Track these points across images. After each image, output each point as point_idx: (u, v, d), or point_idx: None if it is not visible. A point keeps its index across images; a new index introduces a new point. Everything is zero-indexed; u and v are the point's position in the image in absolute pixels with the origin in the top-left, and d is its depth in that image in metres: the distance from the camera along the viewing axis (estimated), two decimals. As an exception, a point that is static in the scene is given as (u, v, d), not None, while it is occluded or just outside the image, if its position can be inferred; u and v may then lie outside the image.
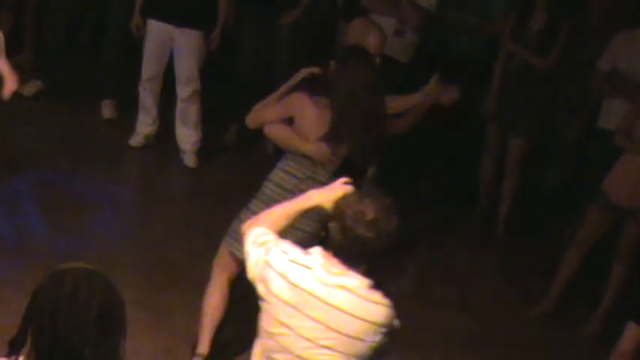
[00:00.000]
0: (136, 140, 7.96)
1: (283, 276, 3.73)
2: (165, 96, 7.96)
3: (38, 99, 8.30)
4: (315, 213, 4.87)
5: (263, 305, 3.82)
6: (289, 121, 5.31)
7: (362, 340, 3.72)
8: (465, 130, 8.30)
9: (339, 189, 3.91)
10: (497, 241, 7.96)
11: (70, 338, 2.83)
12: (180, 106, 7.85)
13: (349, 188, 3.89)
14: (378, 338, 3.75)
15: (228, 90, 8.57)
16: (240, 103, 8.37)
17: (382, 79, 5.38)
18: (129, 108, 8.17)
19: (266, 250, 3.80)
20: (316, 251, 3.77)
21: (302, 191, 5.12)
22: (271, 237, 3.84)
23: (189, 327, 5.81)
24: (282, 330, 3.74)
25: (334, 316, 3.68)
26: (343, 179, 4.01)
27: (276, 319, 3.74)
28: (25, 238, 6.46)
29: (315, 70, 5.46)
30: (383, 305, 3.74)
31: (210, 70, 8.07)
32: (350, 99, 5.17)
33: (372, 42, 5.59)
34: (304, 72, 5.46)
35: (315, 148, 5.21)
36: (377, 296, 3.74)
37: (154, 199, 7.55)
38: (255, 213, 5.12)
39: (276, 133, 5.33)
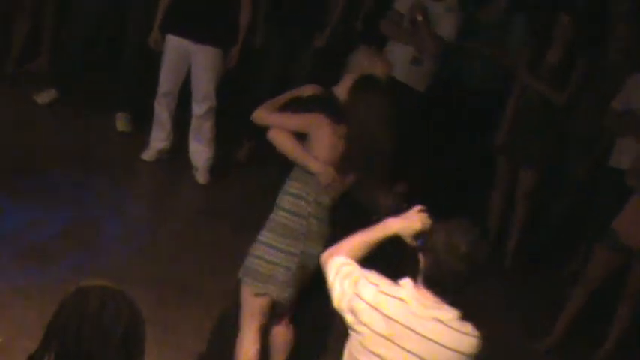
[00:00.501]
0: (148, 154, 7.98)
1: (375, 308, 3.78)
2: (180, 111, 7.99)
3: (52, 108, 8.31)
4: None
5: (352, 334, 3.88)
6: (299, 135, 5.28)
7: None
8: (474, 162, 8.31)
9: (416, 218, 3.98)
10: (504, 274, 7.96)
11: (93, 357, 2.83)
12: (194, 122, 7.87)
13: (426, 217, 3.95)
14: None
15: (244, 107, 8.61)
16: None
17: (395, 111, 5.33)
18: (143, 122, 8.21)
19: (354, 282, 3.86)
20: (406, 283, 3.84)
21: (313, 216, 5.17)
22: (355, 267, 3.91)
23: (196, 345, 5.84)
24: (375, 359, 3.80)
25: (428, 347, 3.77)
26: (418, 207, 4.05)
27: (368, 349, 3.80)
28: (34, 246, 6.49)
29: (323, 90, 5.48)
30: (474, 337, 3.85)
31: (228, 86, 8.09)
32: (361, 134, 5.14)
33: (380, 71, 5.55)
34: (312, 88, 5.48)
35: (323, 167, 5.17)
36: (469, 328, 3.86)
37: (165, 215, 7.56)
38: (269, 245, 5.14)
39: (284, 141, 5.25)
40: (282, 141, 5.25)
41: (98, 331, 2.83)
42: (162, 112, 7.91)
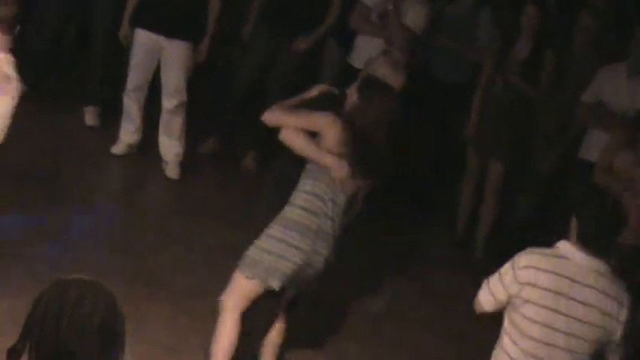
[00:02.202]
0: (118, 149, 7.97)
1: (545, 270, 4.43)
2: (150, 106, 7.99)
3: (20, 103, 8.27)
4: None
5: (522, 311, 4.49)
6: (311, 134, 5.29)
7: (612, 316, 4.45)
8: (445, 155, 8.37)
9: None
10: (474, 265, 8.01)
11: (71, 347, 2.84)
12: (164, 117, 7.87)
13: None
14: (623, 316, 4.46)
15: (212, 101, 8.65)
16: (225, 115, 8.48)
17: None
18: (112, 116, 8.21)
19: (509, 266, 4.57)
20: (564, 244, 4.50)
21: (327, 216, 5.18)
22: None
23: (170, 338, 5.86)
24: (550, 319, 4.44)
25: (594, 296, 4.43)
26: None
27: (545, 308, 4.44)
28: (4, 242, 6.46)
29: (330, 89, 5.52)
30: (624, 287, 4.52)
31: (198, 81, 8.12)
32: (366, 135, 5.23)
33: (396, 84, 5.60)
34: (321, 88, 5.51)
35: (337, 161, 5.17)
36: (620, 279, 4.53)
37: (136, 209, 7.56)
38: (276, 239, 5.18)
39: (297, 139, 5.23)
40: (294, 139, 5.25)
41: (76, 321, 2.85)
42: (132, 106, 7.91)
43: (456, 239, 8.21)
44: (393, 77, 5.57)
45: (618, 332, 4.47)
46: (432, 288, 7.51)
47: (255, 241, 5.28)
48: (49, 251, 6.45)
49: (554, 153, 8.08)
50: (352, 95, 5.37)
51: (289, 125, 5.25)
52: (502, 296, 4.59)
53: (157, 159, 7.98)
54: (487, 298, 4.69)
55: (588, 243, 4.45)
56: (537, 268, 4.46)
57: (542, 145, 8.17)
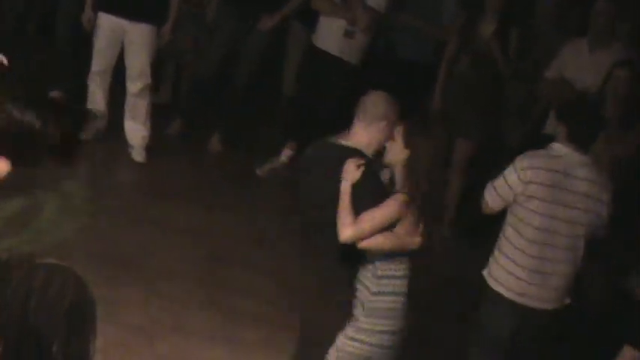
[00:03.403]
0: (86, 134, 7.95)
1: (543, 169, 5.22)
2: (115, 90, 7.97)
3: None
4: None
5: (526, 205, 5.26)
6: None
7: (601, 200, 5.29)
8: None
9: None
10: (443, 244, 8.06)
11: (39, 331, 2.83)
12: (129, 100, 7.86)
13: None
14: (607, 198, 5.30)
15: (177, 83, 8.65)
16: (191, 97, 8.47)
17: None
18: (77, 100, 8.16)
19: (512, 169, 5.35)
20: (556, 145, 5.31)
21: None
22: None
23: (141, 320, 5.87)
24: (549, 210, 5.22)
25: (585, 185, 5.25)
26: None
27: (546, 201, 5.22)
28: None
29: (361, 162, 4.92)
30: (607, 174, 5.49)
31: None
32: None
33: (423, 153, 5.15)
34: (356, 162, 4.88)
35: (419, 239, 4.91)
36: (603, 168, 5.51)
37: (104, 193, 7.53)
38: (371, 331, 4.90)
39: (379, 245, 4.81)
40: (377, 245, 4.81)
41: (43, 305, 2.84)
42: (97, 90, 7.88)
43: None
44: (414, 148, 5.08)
45: (604, 212, 5.33)
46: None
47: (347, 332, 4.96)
48: (11, 237, 6.41)
49: (523, 128, 8.14)
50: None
51: (372, 234, 4.79)
52: (508, 196, 5.32)
53: (124, 143, 7.96)
54: (494, 198, 5.41)
55: (577, 140, 5.26)
56: (537, 168, 5.24)
57: (510, 122, 8.22)
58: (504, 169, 5.42)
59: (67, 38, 8.26)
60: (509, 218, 5.39)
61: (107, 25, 7.72)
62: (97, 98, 7.90)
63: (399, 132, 4.93)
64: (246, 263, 6.86)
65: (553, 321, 5.52)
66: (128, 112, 7.89)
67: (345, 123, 8.01)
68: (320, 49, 7.96)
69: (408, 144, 4.91)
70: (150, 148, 7.96)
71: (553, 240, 5.31)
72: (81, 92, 8.01)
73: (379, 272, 4.85)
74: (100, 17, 7.73)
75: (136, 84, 7.79)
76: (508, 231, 5.40)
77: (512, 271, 5.37)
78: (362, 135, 4.92)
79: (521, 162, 5.33)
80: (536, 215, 5.27)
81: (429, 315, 6.75)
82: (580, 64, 7.35)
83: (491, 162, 8.38)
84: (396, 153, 4.90)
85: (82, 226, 6.85)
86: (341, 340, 4.90)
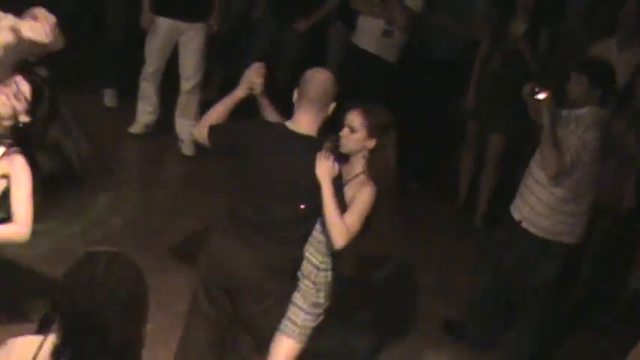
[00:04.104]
0: (136, 128, 7.97)
1: None
2: (166, 85, 7.95)
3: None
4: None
5: None
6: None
7: None
8: (447, 126, 8.31)
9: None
10: (474, 233, 8.00)
11: (99, 317, 2.83)
12: (183, 97, 7.88)
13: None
14: None
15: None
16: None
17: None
18: (129, 96, 8.19)
19: None
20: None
21: None
22: None
23: (186, 307, 5.83)
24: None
25: None
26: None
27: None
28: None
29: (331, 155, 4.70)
30: None
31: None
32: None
33: None
34: (328, 157, 4.64)
35: None
36: None
37: (153, 185, 7.57)
38: (320, 305, 4.86)
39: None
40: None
41: (104, 292, 2.84)
42: (150, 88, 7.91)
43: (457, 208, 8.17)
44: None
45: None
46: (434, 255, 7.48)
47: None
48: (73, 226, 6.44)
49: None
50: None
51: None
52: None
53: (173, 137, 7.96)
54: None
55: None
56: None
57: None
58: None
59: (119, 39, 8.23)
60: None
61: (164, 27, 7.72)
62: (150, 94, 7.93)
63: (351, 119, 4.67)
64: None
65: None
66: (180, 108, 7.90)
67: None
68: (359, 48, 7.94)
69: (372, 133, 4.65)
70: (199, 143, 7.90)
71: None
72: (132, 88, 8.03)
73: (326, 250, 4.70)
74: (157, 20, 7.71)
75: (189, 82, 7.80)
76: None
77: None
78: (313, 122, 4.59)
79: None
80: None
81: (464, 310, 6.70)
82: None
83: (522, 156, 8.35)
84: (356, 141, 4.65)
85: (132, 217, 6.89)
86: (300, 317, 4.77)
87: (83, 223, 6.54)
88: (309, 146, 4.56)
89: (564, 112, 5.84)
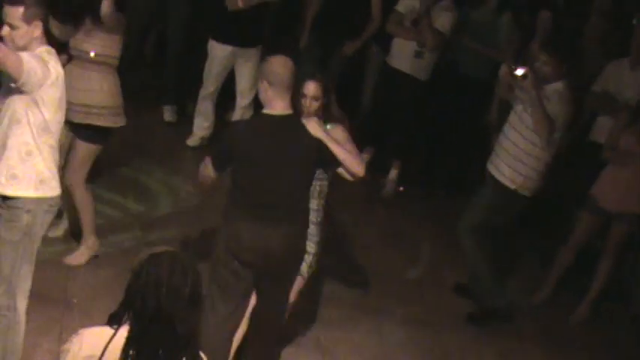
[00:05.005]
0: (193, 141, 8.03)
1: None
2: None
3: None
4: None
5: None
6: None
7: None
8: (473, 138, 8.30)
9: None
10: (496, 236, 7.95)
11: (169, 310, 2.88)
12: (238, 112, 7.94)
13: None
14: None
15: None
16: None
17: None
18: (185, 112, 8.29)
19: None
20: None
21: None
22: None
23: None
24: None
25: None
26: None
27: None
28: (99, 222, 6.52)
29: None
30: None
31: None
32: None
33: None
34: (312, 119, 5.03)
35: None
36: None
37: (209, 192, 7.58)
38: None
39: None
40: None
41: (170, 290, 2.88)
42: (208, 104, 7.99)
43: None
44: None
45: None
46: (460, 257, 7.42)
47: None
48: (137, 229, 6.53)
49: (568, 136, 8.03)
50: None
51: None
52: None
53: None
54: None
55: None
56: None
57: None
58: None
59: (179, 61, 8.33)
60: None
61: (221, 53, 7.79)
62: (207, 110, 8.01)
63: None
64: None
65: None
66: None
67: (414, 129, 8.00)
68: (394, 68, 7.97)
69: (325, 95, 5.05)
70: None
71: None
72: (187, 105, 8.13)
73: (316, 220, 5.11)
74: (215, 47, 7.79)
75: (245, 99, 7.87)
76: None
77: None
78: (287, 104, 4.73)
79: None
80: None
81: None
82: (621, 81, 7.29)
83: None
84: (319, 106, 5.02)
85: (188, 220, 6.94)
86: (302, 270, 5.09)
87: (144, 227, 6.62)
88: (295, 123, 4.75)
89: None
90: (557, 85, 6.28)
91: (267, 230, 4.68)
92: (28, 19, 4.42)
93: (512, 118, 6.39)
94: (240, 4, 7.49)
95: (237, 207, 4.77)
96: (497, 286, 6.62)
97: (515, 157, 6.33)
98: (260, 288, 4.88)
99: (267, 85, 4.69)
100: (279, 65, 4.70)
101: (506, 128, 6.44)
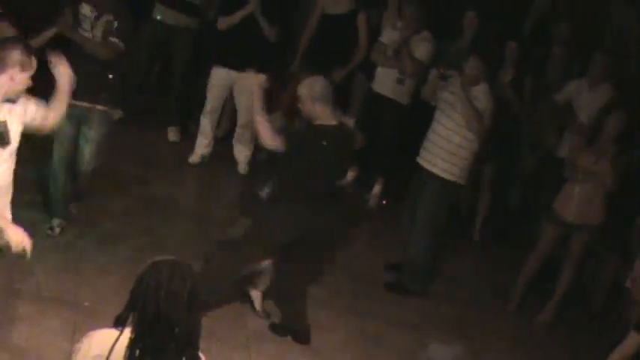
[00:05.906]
0: (194, 158, 8.06)
1: None
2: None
3: (118, 123, 8.33)
4: None
5: None
6: None
7: None
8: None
9: None
10: (473, 247, 8.02)
11: (168, 313, 2.88)
12: (239, 130, 8.01)
13: None
14: None
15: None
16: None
17: None
18: (187, 131, 8.33)
19: None
20: None
21: None
22: None
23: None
24: None
25: None
26: None
27: None
28: (110, 232, 6.56)
29: None
30: None
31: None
32: None
33: None
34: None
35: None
36: None
37: (209, 204, 7.60)
38: None
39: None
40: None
41: (170, 294, 2.90)
42: (208, 124, 8.01)
43: (458, 224, 8.21)
44: None
45: None
46: (442, 268, 7.45)
47: None
48: (142, 239, 6.51)
49: (534, 157, 8.12)
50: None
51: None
52: None
53: (224, 165, 8.04)
54: None
55: None
56: None
57: (526, 150, 8.20)
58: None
59: (182, 87, 8.37)
60: None
61: (221, 76, 7.83)
62: (207, 130, 8.03)
63: None
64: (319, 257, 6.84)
65: None
66: (237, 137, 8.06)
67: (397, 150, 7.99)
68: (378, 93, 8.03)
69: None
70: (252, 163, 8.09)
71: None
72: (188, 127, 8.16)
73: None
74: (214, 70, 7.84)
75: (243, 118, 7.89)
76: None
77: None
78: (330, 115, 5.51)
79: None
80: None
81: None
82: (580, 98, 7.43)
83: (510, 183, 8.39)
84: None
85: (187, 229, 6.93)
86: None
87: (150, 236, 6.64)
88: (342, 131, 5.64)
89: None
90: (484, 86, 6.58)
91: (317, 214, 5.52)
92: None
93: (440, 117, 6.65)
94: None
95: (289, 195, 5.46)
96: (424, 275, 6.81)
97: (450, 152, 6.55)
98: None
99: (310, 100, 5.42)
100: (318, 83, 5.42)
101: (436, 127, 6.69)
